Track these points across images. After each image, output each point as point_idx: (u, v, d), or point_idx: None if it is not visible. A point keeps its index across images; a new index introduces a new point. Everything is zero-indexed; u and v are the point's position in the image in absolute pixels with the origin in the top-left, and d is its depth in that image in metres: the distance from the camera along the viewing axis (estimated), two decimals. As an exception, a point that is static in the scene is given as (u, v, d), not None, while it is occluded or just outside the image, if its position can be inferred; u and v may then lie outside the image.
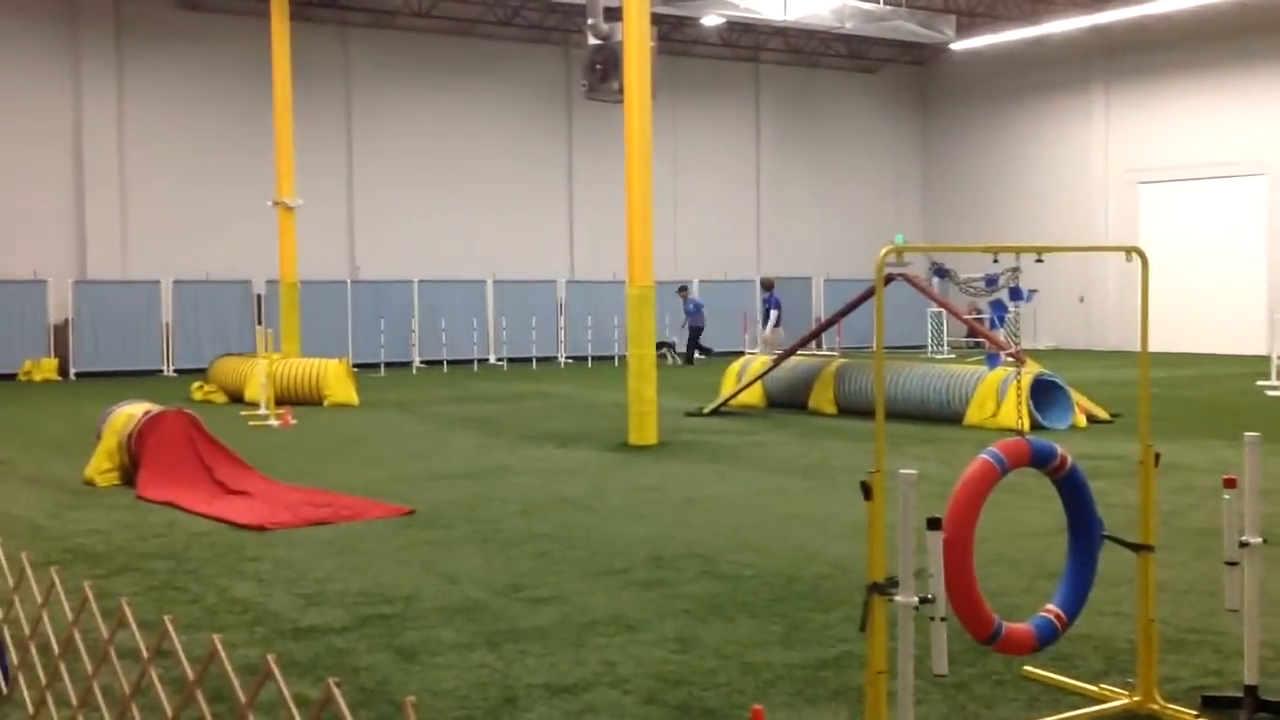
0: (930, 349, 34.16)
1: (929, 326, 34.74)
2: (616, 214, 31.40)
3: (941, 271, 5.25)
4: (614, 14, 16.93)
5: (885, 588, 4.50)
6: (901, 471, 4.43)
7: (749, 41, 37.09)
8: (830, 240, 38.93)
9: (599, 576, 8.04)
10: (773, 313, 22.49)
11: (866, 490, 4.52)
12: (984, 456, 5.07)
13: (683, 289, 31.88)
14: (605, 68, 16.79)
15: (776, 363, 19.22)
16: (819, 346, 26.37)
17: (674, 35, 34.39)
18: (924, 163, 41.37)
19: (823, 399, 18.78)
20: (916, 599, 4.40)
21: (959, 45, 35.33)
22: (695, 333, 31.34)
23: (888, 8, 31.39)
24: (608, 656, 6.23)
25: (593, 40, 16.96)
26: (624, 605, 7.28)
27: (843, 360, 19.52)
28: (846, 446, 14.78)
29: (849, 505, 10.49)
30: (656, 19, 17.14)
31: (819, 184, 39.40)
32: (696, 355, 31.18)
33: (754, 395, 19.54)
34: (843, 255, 38.24)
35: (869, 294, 17.79)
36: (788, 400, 19.40)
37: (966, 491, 4.97)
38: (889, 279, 14.53)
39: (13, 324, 27.28)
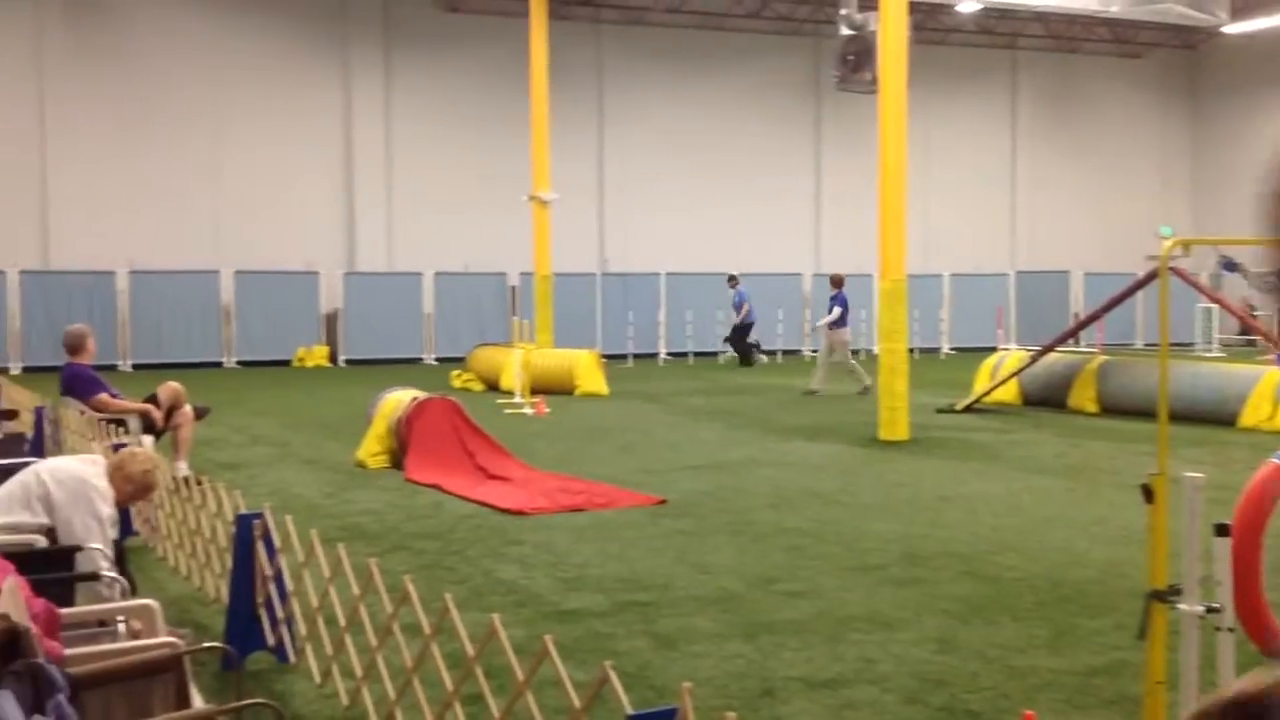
0: (1199, 346, 32.50)
1: (1198, 323, 33.04)
2: (864, 207, 31.02)
3: (1231, 265, 5.00)
4: (868, 3, 16.71)
5: (1166, 595, 4.31)
6: (1186, 474, 4.24)
7: (1006, 28, 36.05)
8: (1090, 234, 37.49)
9: (853, 572, 7.97)
10: (835, 309, 21.28)
11: (1148, 493, 4.34)
12: (1275, 460, 4.80)
13: (732, 279, 29.19)
14: (858, 58, 16.59)
15: (1034, 359, 18.65)
16: (1077, 343, 25.42)
17: (928, 24, 33.72)
18: (1193, 153, 39.35)
19: (1084, 397, 18.09)
20: (1202, 607, 4.20)
21: (1232, 28, 33.43)
22: (740, 330, 28.78)
23: (1156, -11, 30.00)
24: (866, 653, 6.17)
25: (845, 31, 16.77)
26: (880, 602, 7.19)
27: (1105, 357, 18.77)
28: (1110, 447, 14.21)
29: (1116, 508, 10.09)
30: (911, 7, 16.80)
31: (1079, 175, 37.98)
32: (756, 353, 28.62)
33: (1009, 392, 18.99)
34: (1103, 249, 36.77)
35: (1134, 289, 17.06)
36: (1045, 398, 18.78)
37: (1255, 496, 4.72)
38: (1154, 274, 13.98)
39: (288, 313, 28.90)
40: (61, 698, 2.80)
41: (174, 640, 3.76)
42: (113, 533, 6.42)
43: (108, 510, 6.08)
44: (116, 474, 6.34)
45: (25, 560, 4.99)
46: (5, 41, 27.65)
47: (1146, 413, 17.04)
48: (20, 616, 3.22)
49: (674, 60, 33.52)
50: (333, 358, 29.12)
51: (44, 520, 6.00)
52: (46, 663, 2.94)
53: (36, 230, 28.04)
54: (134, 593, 5.66)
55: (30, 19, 27.81)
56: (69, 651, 3.59)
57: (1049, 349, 18.90)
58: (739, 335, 28.77)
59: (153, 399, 11.45)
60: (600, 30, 32.92)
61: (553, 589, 7.55)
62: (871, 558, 8.39)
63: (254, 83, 29.60)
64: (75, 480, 6.12)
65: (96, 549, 5.78)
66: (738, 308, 28.63)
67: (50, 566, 5.45)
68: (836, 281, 22.35)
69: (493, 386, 21.88)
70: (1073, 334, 19.68)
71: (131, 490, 6.35)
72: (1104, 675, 5.76)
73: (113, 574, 5.83)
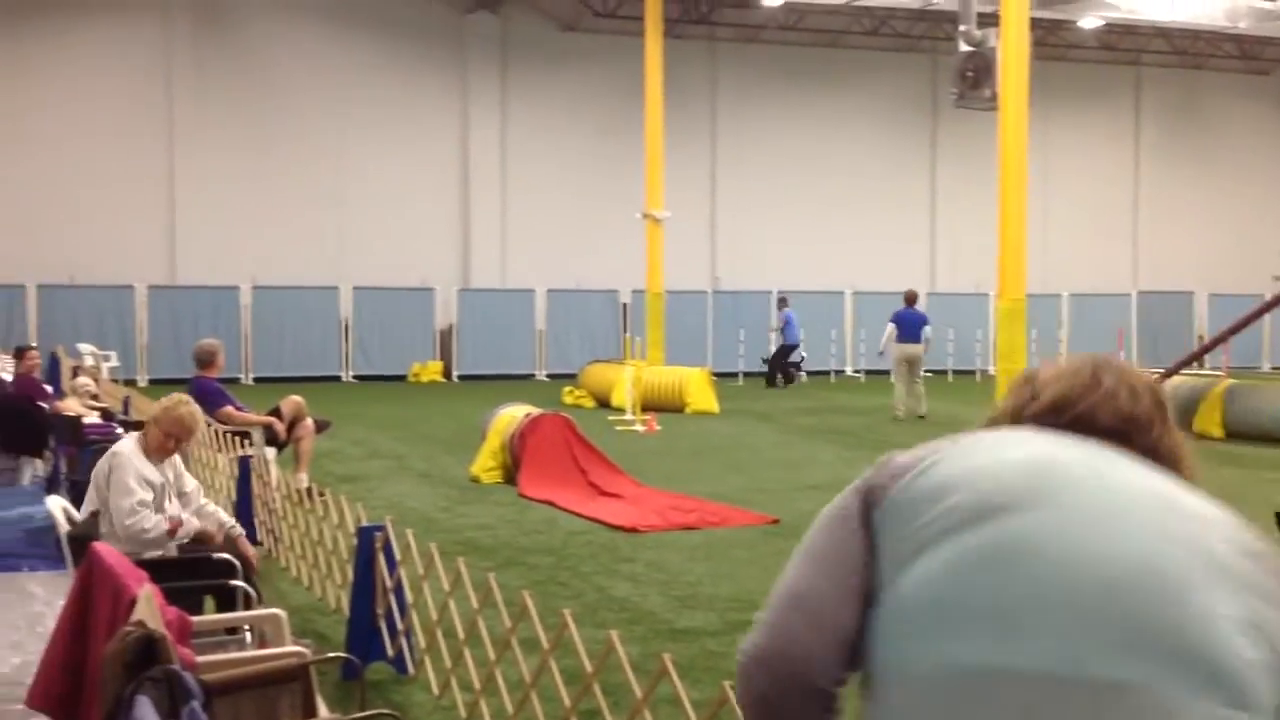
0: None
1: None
2: (980, 225, 30.55)
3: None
4: (988, 19, 16.54)
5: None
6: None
7: (1129, 44, 35.34)
8: (1215, 253, 36.52)
9: (971, 597, 7.84)
10: (889, 327, 20.19)
11: (1285, 522, 4.21)
12: None
13: (782, 301, 28.05)
14: (977, 75, 16.40)
15: (1158, 382, 18.19)
16: (1201, 366, 24.78)
17: (1048, 39, 33.19)
18: (1324, 169, 38.15)
19: (1209, 422, 17.59)
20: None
21: (1369, 40, 32.40)
22: (783, 350, 27.48)
23: (1287, 3, 29.22)
24: (984, 680, 6.06)
25: (965, 47, 16.60)
26: (999, 628, 7.06)
27: (1231, 381, 18.26)
28: (1238, 474, 13.78)
29: (1242, 536, 9.79)
30: (1031, 23, 16.58)
31: (1203, 193, 37.04)
32: (782, 378, 27.23)
33: (1130, 415, 18.52)
34: (1228, 269, 35.80)
35: (1264, 310, 16.57)
36: (1167, 422, 18.26)
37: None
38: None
39: (404, 329, 29.36)
40: (196, 704, 2.87)
41: (301, 650, 3.83)
42: (180, 502, 6.42)
43: (131, 476, 6.10)
44: (147, 428, 6.41)
45: (156, 568, 5.13)
46: (136, 62, 28.57)
47: (1276, 438, 16.54)
48: (156, 624, 3.31)
49: (788, 78, 33.43)
50: (447, 373, 29.48)
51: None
52: (182, 670, 3.01)
53: (164, 246, 28.88)
54: (260, 602, 5.79)
55: (160, 39, 28.70)
56: (200, 659, 3.68)
57: (1172, 372, 18.43)
58: (780, 355, 27.60)
59: (276, 412, 11.71)
60: (715, 48, 32.97)
61: (665, 607, 7.55)
62: (989, 582, 8.24)
63: (375, 102, 30.17)
64: (104, 461, 6.28)
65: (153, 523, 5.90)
66: (784, 329, 27.45)
67: (181, 574, 5.60)
68: (908, 298, 21.06)
69: (604, 403, 21.97)
70: (1198, 356, 19.16)
71: (161, 433, 6.33)
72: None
73: (154, 521, 5.96)
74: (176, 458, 6.55)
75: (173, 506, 6.30)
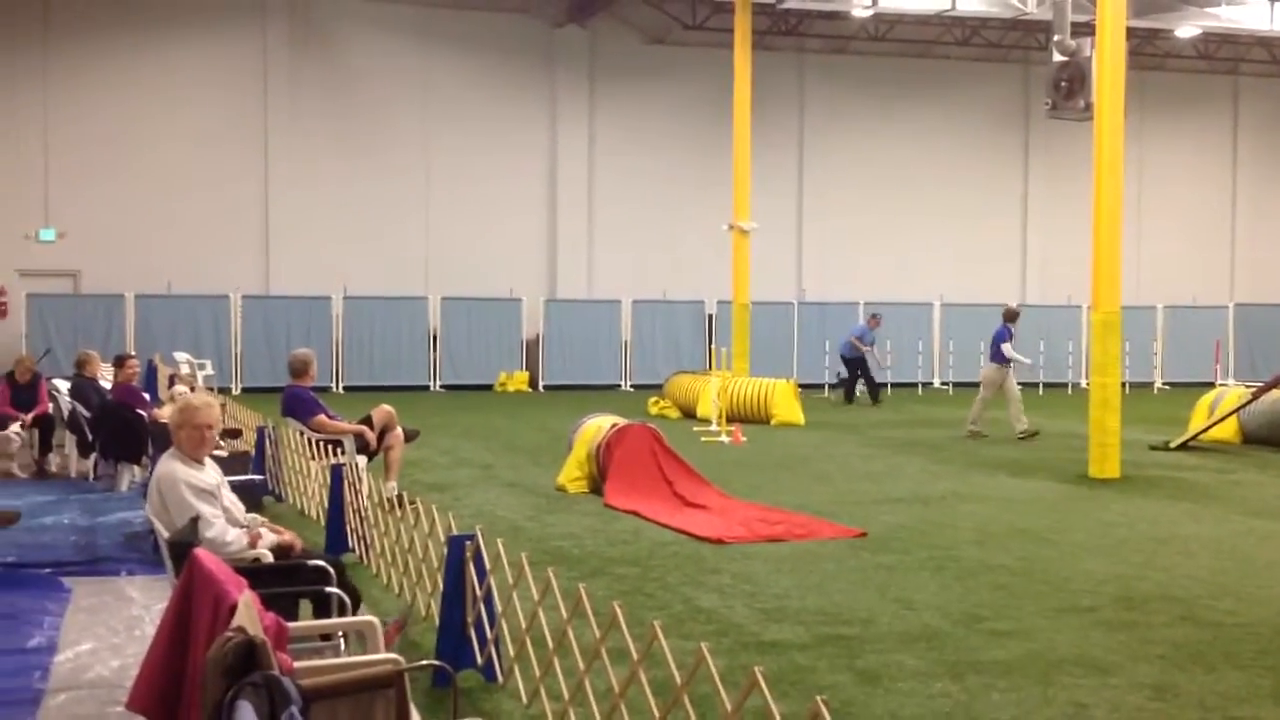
0: None
1: None
2: (1073, 236, 30.12)
3: None
4: (1082, 28, 16.31)
5: None
6: None
7: (1227, 53, 34.61)
8: (1316, 264, 35.63)
9: (1063, 613, 7.73)
10: (1004, 346, 19.40)
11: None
12: None
13: (874, 316, 27.23)
14: (1071, 84, 16.15)
15: (1255, 396, 17.81)
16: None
17: (1143, 49, 32.65)
18: None
19: (1309, 437, 17.17)
20: None
21: None
22: (853, 364, 26.39)
23: (1392, 8, 28.45)
24: (1077, 698, 5.97)
25: (1059, 57, 16.36)
26: (1092, 646, 6.95)
27: (1333, 396, 17.79)
28: (1339, 491, 13.45)
29: (1346, 556, 9.56)
30: (1127, 32, 16.31)
31: (1304, 204, 36.15)
32: (859, 390, 26.37)
33: (1227, 431, 18.15)
34: (1330, 281, 34.94)
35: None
36: (1266, 437, 17.87)
37: None
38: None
39: (491, 339, 29.60)
40: (295, 710, 2.92)
41: (396, 656, 3.88)
42: (226, 499, 6.48)
43: (185, 491, 6.13)
44: (175, 437, 6.39)
45: (251, 574, 5.22)
46: (232, 77, 29.12)
47: (1380, 455, 16.10)
48: (255, 630, 3.37)
49: (876, 88, 33.22)
50: (533, 383, 29.65)
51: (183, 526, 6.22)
52: (281, 675, 3.07)
53: (258, 256, 29.41)
54: (356, 608, 5.87)
55: (255, 54, 29.25)
56: (296, 665, 3.74)
57: (1271, 385, 18.02)
58: (858, 368, 26.64)
59: (367, 421, 11.86)
60: (803, 59, 32.86)
61: (752, 619, 7.52)
62: (1082, 599, 8.12)
63: (464, 115, 30.49)
64: (151, 490, 6.34)
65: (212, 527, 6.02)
66: (868, 344, 26.47)
67: (276, 580, 5.69)
68: (1008, 315, 20.54)
69: (689, 414, 21.96)
70: (1298, 371, 18.68)
71: (188, 430, 6.31)
72: (1339, 734, 5.46)
73: (225, 525, 6.03)
74: (210, 461, 6.59)
75: (228, 503, 6.40)
